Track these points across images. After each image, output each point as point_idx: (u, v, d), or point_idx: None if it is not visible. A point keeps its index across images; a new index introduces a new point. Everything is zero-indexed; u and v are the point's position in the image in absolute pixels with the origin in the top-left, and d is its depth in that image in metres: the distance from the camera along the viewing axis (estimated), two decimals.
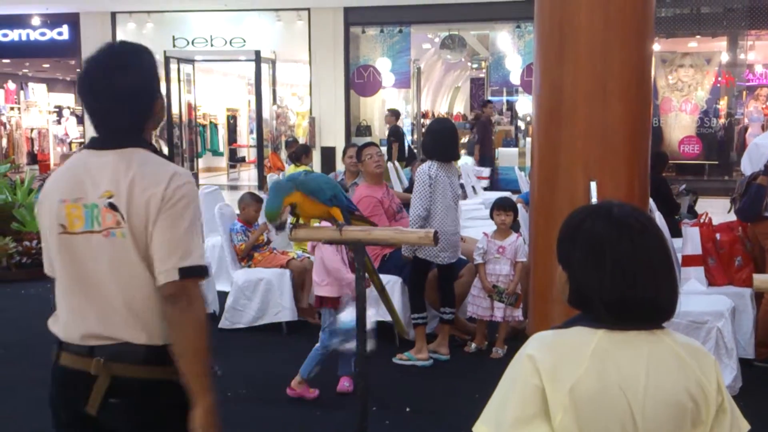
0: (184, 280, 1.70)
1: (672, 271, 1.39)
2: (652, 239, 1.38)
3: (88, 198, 1.74)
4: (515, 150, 14.50)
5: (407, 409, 3.83)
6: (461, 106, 22.93)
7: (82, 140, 16.51)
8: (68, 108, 20.34)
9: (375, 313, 4.70)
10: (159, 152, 1.82)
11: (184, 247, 1.71)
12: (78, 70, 15.51)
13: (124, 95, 1.77)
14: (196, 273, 1.72)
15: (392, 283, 4.74)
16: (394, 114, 12.79)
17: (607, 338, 1.33)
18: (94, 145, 1.82)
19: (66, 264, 1.77)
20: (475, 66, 18.59)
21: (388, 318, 4.72)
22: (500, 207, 4.75)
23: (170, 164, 1.78)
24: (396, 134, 12.31)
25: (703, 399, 1.33)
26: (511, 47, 13.73)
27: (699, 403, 1.33)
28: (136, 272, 1.72)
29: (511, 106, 17.26)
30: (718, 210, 6.49)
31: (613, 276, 1.34)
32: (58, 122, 19.51)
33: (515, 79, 13.53)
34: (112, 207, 1.71)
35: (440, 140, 4.57)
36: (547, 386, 1.29)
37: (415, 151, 13.11)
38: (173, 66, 14.71)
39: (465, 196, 8.22)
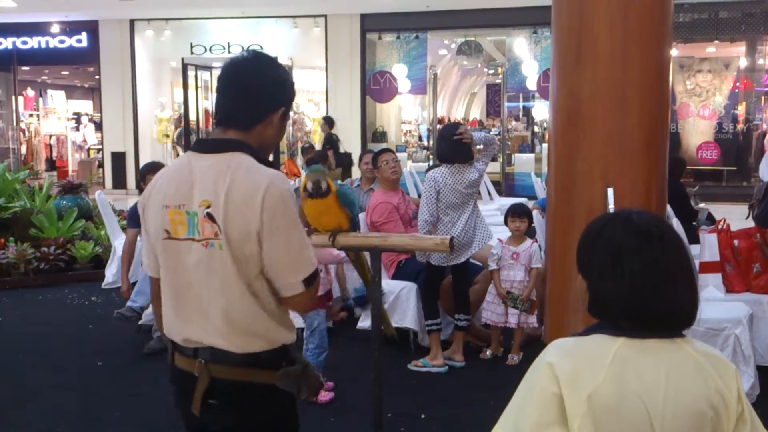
0: (308, 288, 1.77)
1: (692, 279, 1.38)
2: (673, 247, 1.37)
3: (189, 205, 1.74)
4: (531, 156, 14.47)
5: (422, 416, 3.82)
6: (477, 112, 22.91)
7: (100, 147, 16.66)
8: (86, 115, 20.56)
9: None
10: (260, 157, 1.79)
11: (303, 258, 1.75)
12: (96, 76, 15.70)
13: (256, 79, 1.80)
14: (315, 278, 1.79)
15: (407, 289, 4.75)
16: (328, 122, 12.83)
17: (626, 346, 1.32)
18: (197, 147, 1.83)
19: (170, 270, 1.79)
20: (491, 72, 18.57)
21: (403, 324, 4.75)
22: (515, 213, 4.74)
23: (265, 171, 1.74)
24: (330, 141, 12.33)
25: (724, 408, 1.32)
26: (527, 53, 13.71)
27: (719, 412, 1.31)
28: (233, 284, 1.72)
29: (527, 111, 17.23)
30: (736, 216, 6.43)
31: (633, 285, 1.33)
32: (77, 129, 19.72)
33: (532, 84, 13.51)
34: (210, 217, 1.71)
35: (447, 143, 4.56)
36: (566, 393, 1.29)
37: (430, 156, 13.07)
38: (191, 73, 14.83)
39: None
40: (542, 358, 1.35)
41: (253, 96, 1.79)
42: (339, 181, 6.62)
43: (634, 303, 1.33)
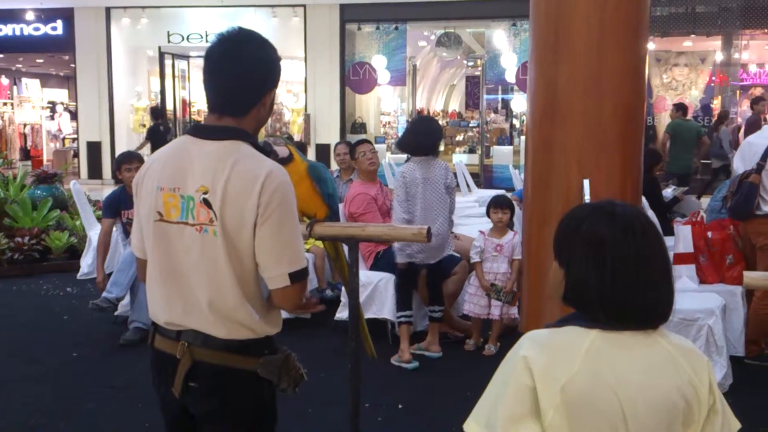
0: (295, 284, 1.74)
1: (670, 275, 1.39)
2: (654, 241, 1.37)
3: (185, 189, 1.74)
4: (510, 148, 14.53)
5: (399, 406, 3.84)
6: (456, 104, 22.94)
7: (75, 136, 16.45)
8: (62, 104, 20.27)
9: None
10: (260, 146, 1.80)
11: (291, 251, 1.73)
12: (72, 65, 15.48)
13: (249, 62, 1.77)
14: (304, 276, 1.76)
15: (385, 281, 4.75)
16: (153, 113, 12.69)
17: (601, 338, 1.33)
18: (197, 133, 1.81)
19: (160, 252, 1.78)
20: (470, 64, 18.58)
21: (380, 315, 4.76)
22: (497, 205, 4.74)
23: (265, 162, 1.75)
24: (155, 133, 12.24)
25: (696, 399, 1.34)
26: (506, 45, 13.75)
27: (691, 403, 1.33)
28: (223, 271, 1.71)
29: (506, 104, 17.28)
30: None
31: (614, 277, 1.33)
32: (52, 118, 19.44)
33: (510, 77, 13.55)
34: (206, 203, 1.70)
35: (413, 135, 4.55)
36: (539, 385, 1.29)
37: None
38: (168, 62, 14.69)
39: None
40: (516, 351, 1.36)
41: (247, 81, 1.78)
42: None
43: (614, 295, 1.33)
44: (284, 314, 1.90)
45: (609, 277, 1.33)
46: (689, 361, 1.35)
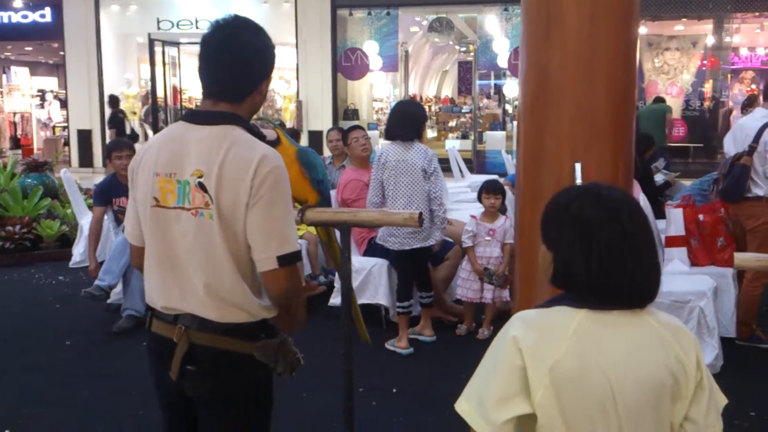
0: (284, 268, 1.72)
1: (656, 256, 1.40)
2: (640, 223, 1.39)
3: (181, 174, 1.74)
4: (502, 133, 14.52)
5: (394, 390, 3.86)
6: (449, 90, 22.88)
7: (65, 124, 16.34)
8: (51, 92, 20.12)
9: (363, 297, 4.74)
10: (254, 131, 1.81)
11: (281, 234, 1.72)
12: (61, 52, 15.35)
13: (246, 51, 1.78)
14: (294, 259, 1.75)
15: (379, 266, 4.76)
16: (112, 101, 12.74)
17: (588, 318, 1.34)
18: (191, 118, 1.82)
19: (157, 237, 1.79)
20: (463, 49, 18.54)
21: (374, 300, 4.77)
22: (489, 190, 4.75)
23: (260, 147, 1.75)
24: (115, 120, 12.37)
25: (684, 375, 1.35)
26: (498, 30, 13.71)
27: (679, 379, 1.35)
28: (219, 255, 1.72)
29: (498, 89, 17.26)
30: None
31: (601, 259, 1.35)
32: (41, 106, 19.31)
33: (503, 62, 13.52)
34: (202, 187, 1.71)
35: (392, 119, 4.54)
36: (529, 365, 1.31)
37: None
38: (158, 49, 14.58)
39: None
40: (506, 332, 1.37)
41: (244, 69, 1.79)
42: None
43: (601, 277, 1.35)
44: None
45: (596, 259, 1.35)
46: (676, 338, 1.37)
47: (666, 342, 1.36)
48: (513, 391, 1.31)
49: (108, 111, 12.51)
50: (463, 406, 1.36)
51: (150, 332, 1.88)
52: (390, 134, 4.48)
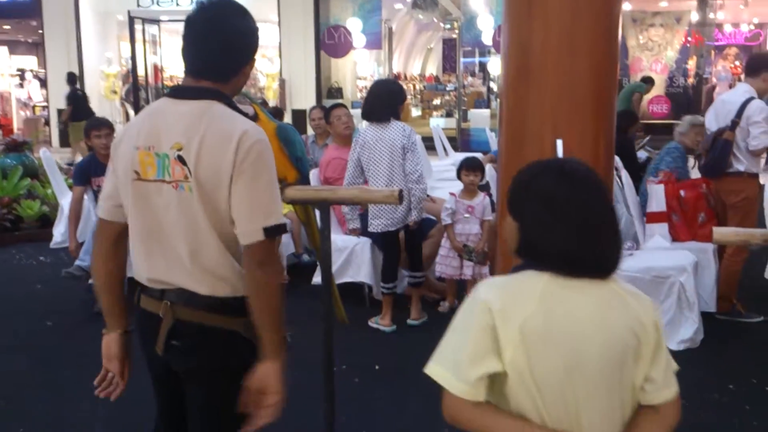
0: (269, 240, 1.71)
1: (617, 227, 1.45)
2: (601, 195, 1.43)
3: (160, 147, 1.74)
4: (487, 111, 14.51)
5: (376, 367, 3.87)
6: (434, 68, 22.78)
7: (45, 104, 16.11)
8: (31, 71, 19.83)
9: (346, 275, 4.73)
10: (236, 107, 1.81)
11: (266, 206, 1.72)
12: (40, 31, 15.09)
13: (231, 33, 1.78)
14: (280, 231, 1.74)
15: (361, 245, 4.75)
16: (70, 78, 12.64)
17: (554, 281, 1.39)
18: (174, 93, 1.83)
19: (139, 210, 1.79)
20: (447, 27, 18.43)
21: (357, 279, 4.77)
22: (468, 167, 4.75)
23: (241, 121, 1.75)
24: (74, 98, 12.27)
25: (644, 334, 1.42)
26: (482, 7, 13.63)
27: (641, 339, 1.41)
28: (201, 227, 1.73)
29: (483, 67, 17.21)
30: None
31: (565, 231, 1.39)
32: (21, 85, 19.02)
33: (487, 39, 13.46)
34: (181, 160, 1.71)
35: (369, 100, 4.51)
36: (499, 324, 1.35)
37: None
38: (138, 27, 14.37)
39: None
40: (474, 296, 1.41)
41: (229, 51, 1.80)
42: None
43: (566, 248, 1.39)
44: None
45: (560, 231, 1.39)
46: (638, 301, 1.43)
47: (627, 303, 1.42)
48: (485, 350, 1.35)
49: (66, 88, 12.30)
50: (434, 370, 1.39)
51: (138, 307, 1.89)
52: (366, 114, 4.45)
